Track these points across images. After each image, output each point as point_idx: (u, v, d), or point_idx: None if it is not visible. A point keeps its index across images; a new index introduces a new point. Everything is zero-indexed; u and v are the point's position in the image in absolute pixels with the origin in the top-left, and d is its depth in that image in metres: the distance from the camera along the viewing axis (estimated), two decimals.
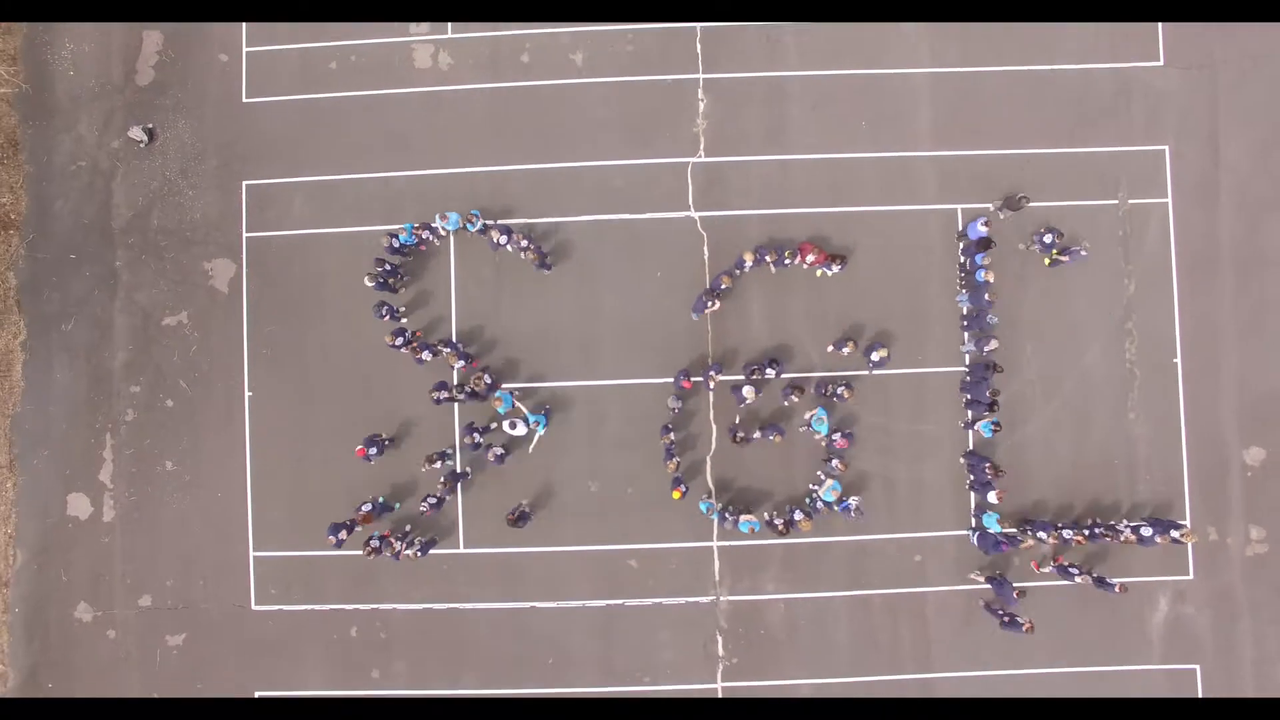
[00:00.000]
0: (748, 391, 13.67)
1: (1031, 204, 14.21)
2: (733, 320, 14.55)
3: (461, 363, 14.16)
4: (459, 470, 14.41)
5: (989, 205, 14.44)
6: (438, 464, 13.87)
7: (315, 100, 15.06)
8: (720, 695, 14.25)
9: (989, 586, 13.92)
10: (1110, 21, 14.35)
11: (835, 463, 13.67)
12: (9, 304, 15.04)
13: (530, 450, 14.43)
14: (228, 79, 15.17)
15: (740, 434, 13.90)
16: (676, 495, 13.78)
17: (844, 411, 14.28)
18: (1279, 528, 14.19)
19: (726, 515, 13.92)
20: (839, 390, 13.81)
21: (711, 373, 14.03)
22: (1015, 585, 13.55)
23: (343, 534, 13.67)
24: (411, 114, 14.96)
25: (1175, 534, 13.36)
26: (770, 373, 13.94)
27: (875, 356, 13.79)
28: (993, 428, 13.68)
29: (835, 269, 14.08)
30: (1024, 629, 13.18)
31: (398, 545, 13.74)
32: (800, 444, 14.23)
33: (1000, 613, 13.73)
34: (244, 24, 15.05)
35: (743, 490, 14.42)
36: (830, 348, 14.16)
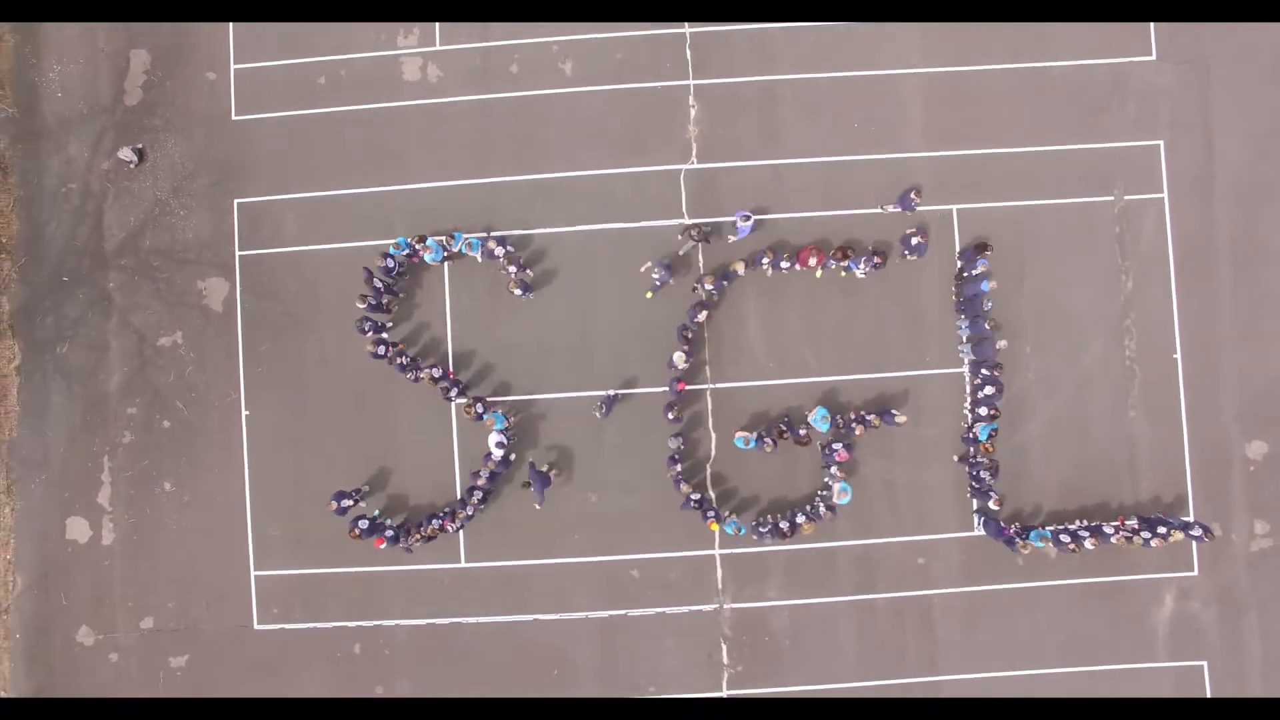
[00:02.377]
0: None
1: (1030, 202, 14.21)
2: (728, 326, 14.50)
3: (445, 383, 14.00)
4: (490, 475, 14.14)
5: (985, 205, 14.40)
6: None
7: (305, 116, 14.99)
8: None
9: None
10: (1102, 21, 14.26)
11: (835, 469, 13.63)
12: (2, 328, 14.97)
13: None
14: (216, 97, 15.10)
15: (768, 439, 13.78)
16: (714, 527, 13.77)
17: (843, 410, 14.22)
18: None
19: (761, 527, 13.77)
20: (853, 427, 13.82)
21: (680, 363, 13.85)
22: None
23: (347, 503, 13.80)
24: (401, 127, 14.88)
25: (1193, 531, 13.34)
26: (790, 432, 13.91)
27: (899, 419, 13.82)
28: (990, 432, 13.60)
29: (863, 267, 13.85)
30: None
31: (408, 539, 13.73)
32: (800, 449, 14.13)
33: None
34: (230, 41, 14.98)
35: (747, 498, 14.38)
36: (853, 418, 13.94)
